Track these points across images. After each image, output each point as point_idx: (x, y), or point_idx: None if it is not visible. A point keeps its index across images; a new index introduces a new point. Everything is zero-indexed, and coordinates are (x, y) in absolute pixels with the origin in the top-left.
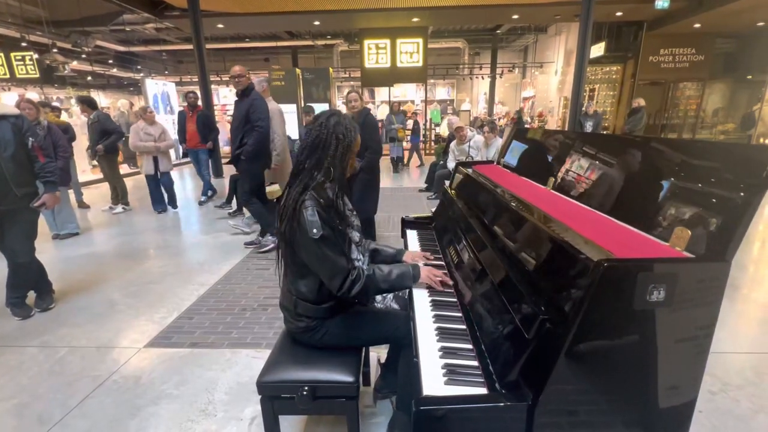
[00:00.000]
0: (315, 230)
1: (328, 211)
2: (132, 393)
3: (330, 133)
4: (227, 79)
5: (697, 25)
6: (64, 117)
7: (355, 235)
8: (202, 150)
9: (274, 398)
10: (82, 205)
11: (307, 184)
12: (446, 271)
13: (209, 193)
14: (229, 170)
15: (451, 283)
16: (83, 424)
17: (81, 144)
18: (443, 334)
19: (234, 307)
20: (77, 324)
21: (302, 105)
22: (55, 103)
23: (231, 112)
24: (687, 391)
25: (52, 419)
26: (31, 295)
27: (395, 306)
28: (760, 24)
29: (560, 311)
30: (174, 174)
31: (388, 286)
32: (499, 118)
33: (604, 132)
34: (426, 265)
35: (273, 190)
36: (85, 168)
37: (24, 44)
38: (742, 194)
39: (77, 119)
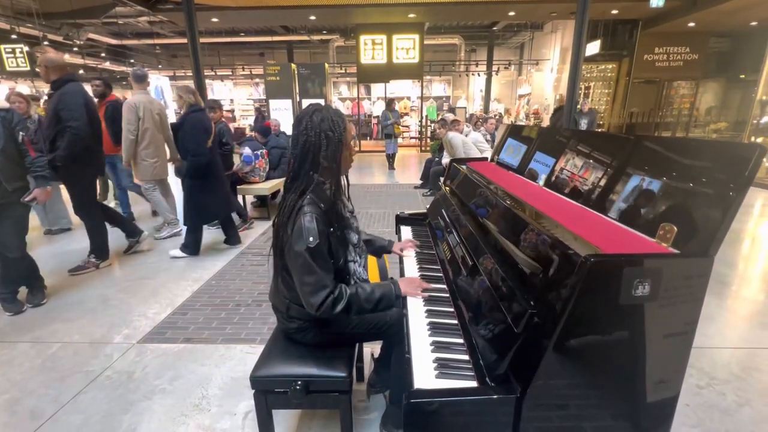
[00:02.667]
0: (311, 238)
1: (327, 214)
2: (125, 388)
3: (318, 133)
4: (222, 73)
5: (692, 24)
6: None
7: (354, 237)
8: (120, 155)
9: (268, 392)
10: None
11: (305, 188)
12: (439, 269)
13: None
14: None
15: (430, 287)
16: (76, 419)
17: None
18: (435, 328)
19: (228, 303)
20: (69, 319)
21: (298, 100)
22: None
23: (228, 107)
24: (671, 385)
25: (45, 414)
26: (23, 291)
27: None
28: (754, 23)
29: (548, 306)
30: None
31: (371, 306)
32: (494, 116)
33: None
34: (418, 255)
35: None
36: None
37: (14, 36)
38: (726, 191)
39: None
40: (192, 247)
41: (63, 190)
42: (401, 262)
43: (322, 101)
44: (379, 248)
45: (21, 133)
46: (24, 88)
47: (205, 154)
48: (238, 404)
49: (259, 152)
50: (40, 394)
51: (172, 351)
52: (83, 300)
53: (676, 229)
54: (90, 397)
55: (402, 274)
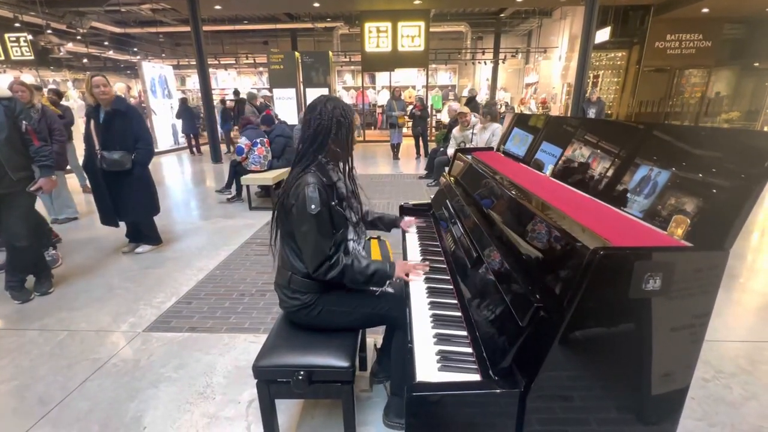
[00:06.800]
0: (313, 206)
1: (328, 190)
2: (131, 376)
3: (330, 118)
4: (226, 62)
5: (705, 10)
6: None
7: (353, 217)
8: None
9: (271, 382)
10: (87, 189)
11: (309, 165)
12: (443, 260)
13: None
14: (228, 155)
15: (427, 269)
16: (83, 405)
17: (80, 127)
18: (438, 320)
19: (232, 293)
20: (76, 308)
21: (302, 89)
22: (51, 86)
23: (230, 96)
24: (680, 379)
25: (53, 401)
26: (31, 280)
27: (390, 290)
28: None
29: (555, 299)
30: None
31: (364, 279)
32: (501, 105)
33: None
34: (422, 246)
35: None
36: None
37: (17, 25)
38: (743, 182)
39: (74, 102)
40: (158, 235)
41: (68, 179)
42: (404, 251)
43: (326, 90)
44: (389, 222)
45: (24, 122)
46: (29, 77)
47: (152, 144)
48: (242, 393)
49: (258, 140)
50: (49, 380)
51: (177, 340)
52: (89, 289)
53: (689, 221)
54: (97, 384)
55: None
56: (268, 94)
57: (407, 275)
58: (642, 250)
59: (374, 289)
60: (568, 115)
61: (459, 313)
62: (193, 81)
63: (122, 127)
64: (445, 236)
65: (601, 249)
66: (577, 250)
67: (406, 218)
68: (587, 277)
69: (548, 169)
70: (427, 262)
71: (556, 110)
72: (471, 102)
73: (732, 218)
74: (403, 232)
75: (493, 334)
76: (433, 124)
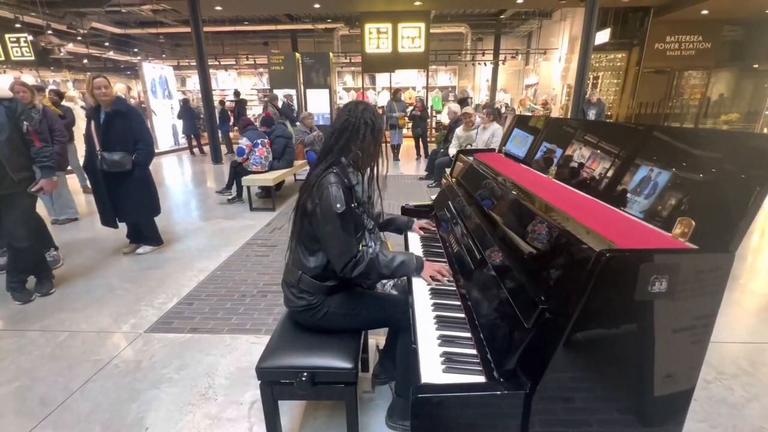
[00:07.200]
0: (339, 205)
1: (347, 193)
2: (132, 377)
3: (358, 118)
4: (226, 63)
5: (705, 12)
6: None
7: (370, 223)
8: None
9: (274, 383)
10: (87, 190)
11: (331, 164)
12: (446, 262)
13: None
14: (228, 156)
15: (446, 279)
16: (85, 406)
17: (81, 128)
18: (442, 322)
19: (234, 294)
20: (77, 309)
21: (302, 90)
22: (51, 87)
23: (230, 97)
24: (685, 380)
25: (54, 402)
26: (32, 281)
27: (394, 292)
28: None
29: (560, 301)
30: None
31: (389, 272)
32: (501, 106)
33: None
34: (424, 247)
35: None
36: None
37: (18, 25)
38: (748, 184)
39: (73, 104)
40: (159, 236)
41: (69, 179)
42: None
43: (327, 91)
44: (401, 225)
45: (25, 123)
46: (29, 77)
47: (153, 145)
48: (244, 394)
49: (259, 141)
50: (50, 381)
51: (179, 341)
52: (90, 289)
53: (694, 223)
54: (98, 386)
55: None
56: (290, 92)
57: (432, 278)
58: (647, 253)
59: (379, 291)
60: (569, 116)
61: (463, 315)
62: (193, 82)
63: (122, 127)
64: (448, 237)
65: (607, 251)
66: (582, 252)
67: (417, 223)
68: (593, 279)
69: (551, 171)
70: (450, 270)
71: (556, 111)
72: (462, 103)
73: (737, 221)
74: (405, 233)
75: (497, 335)
76: (433, 125)
